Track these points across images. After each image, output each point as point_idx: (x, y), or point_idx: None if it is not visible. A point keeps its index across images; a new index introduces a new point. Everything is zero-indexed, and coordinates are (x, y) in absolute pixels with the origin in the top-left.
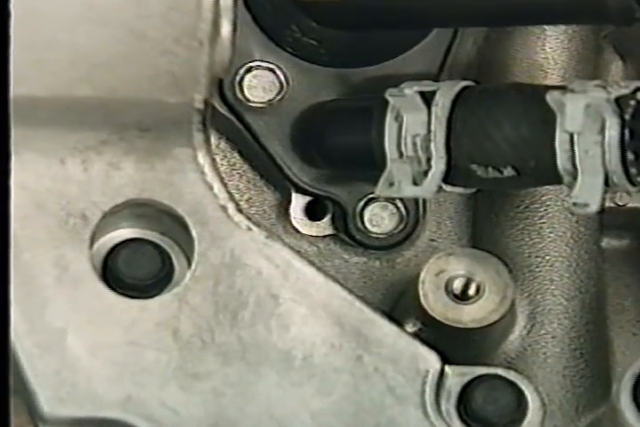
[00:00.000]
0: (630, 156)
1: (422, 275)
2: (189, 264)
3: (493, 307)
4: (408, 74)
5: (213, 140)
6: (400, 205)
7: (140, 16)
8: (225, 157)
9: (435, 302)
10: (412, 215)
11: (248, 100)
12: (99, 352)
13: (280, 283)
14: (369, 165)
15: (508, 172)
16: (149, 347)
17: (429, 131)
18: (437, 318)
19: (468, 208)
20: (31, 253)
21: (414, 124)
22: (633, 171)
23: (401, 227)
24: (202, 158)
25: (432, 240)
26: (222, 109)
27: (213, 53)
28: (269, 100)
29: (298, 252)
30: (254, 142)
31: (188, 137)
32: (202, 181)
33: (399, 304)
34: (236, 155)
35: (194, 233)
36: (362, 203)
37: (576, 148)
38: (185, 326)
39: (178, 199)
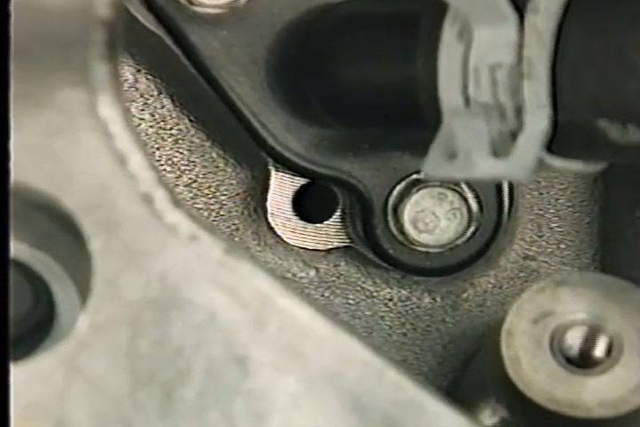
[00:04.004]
0: None
1: (509, 321)
2: (84, 301)
3: (638, 380)
4: None
5: (128, 74)
6: (468, 194)
7: None
8: (148, 105)
9: (532, 370)
10: (491, 213)
11: (191, 3)
12: None
13: (250, 335)
14: (410, 119)
15: None
16: None
17: (521, 58)
18: (536, 399)
19: (593, 201)
20: None
21: (493, 47)
22: None
23: (469, 233)
24: (106, 108)
25: (527, 258)
26: (145, 19)
27: None
28: (230, 2)
29: (282, 278)
30: (202, 79)
31: (81, 70)
32: (106, 148)
33: (467, 374)
34: (167, 101)
35: (93, 245)
36: (398, 190)
37: None
38: (77, 413)
39: (63, 183)
